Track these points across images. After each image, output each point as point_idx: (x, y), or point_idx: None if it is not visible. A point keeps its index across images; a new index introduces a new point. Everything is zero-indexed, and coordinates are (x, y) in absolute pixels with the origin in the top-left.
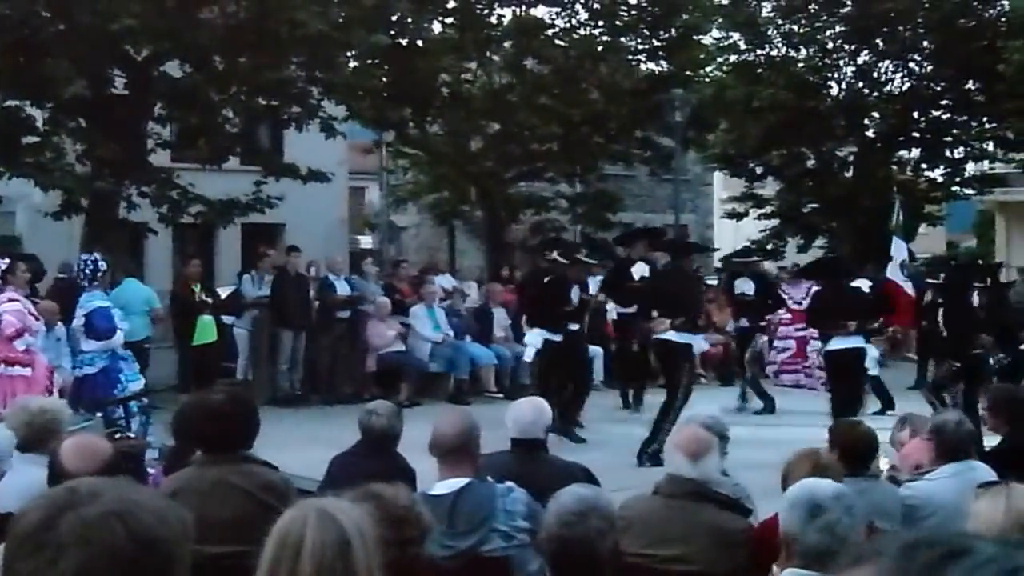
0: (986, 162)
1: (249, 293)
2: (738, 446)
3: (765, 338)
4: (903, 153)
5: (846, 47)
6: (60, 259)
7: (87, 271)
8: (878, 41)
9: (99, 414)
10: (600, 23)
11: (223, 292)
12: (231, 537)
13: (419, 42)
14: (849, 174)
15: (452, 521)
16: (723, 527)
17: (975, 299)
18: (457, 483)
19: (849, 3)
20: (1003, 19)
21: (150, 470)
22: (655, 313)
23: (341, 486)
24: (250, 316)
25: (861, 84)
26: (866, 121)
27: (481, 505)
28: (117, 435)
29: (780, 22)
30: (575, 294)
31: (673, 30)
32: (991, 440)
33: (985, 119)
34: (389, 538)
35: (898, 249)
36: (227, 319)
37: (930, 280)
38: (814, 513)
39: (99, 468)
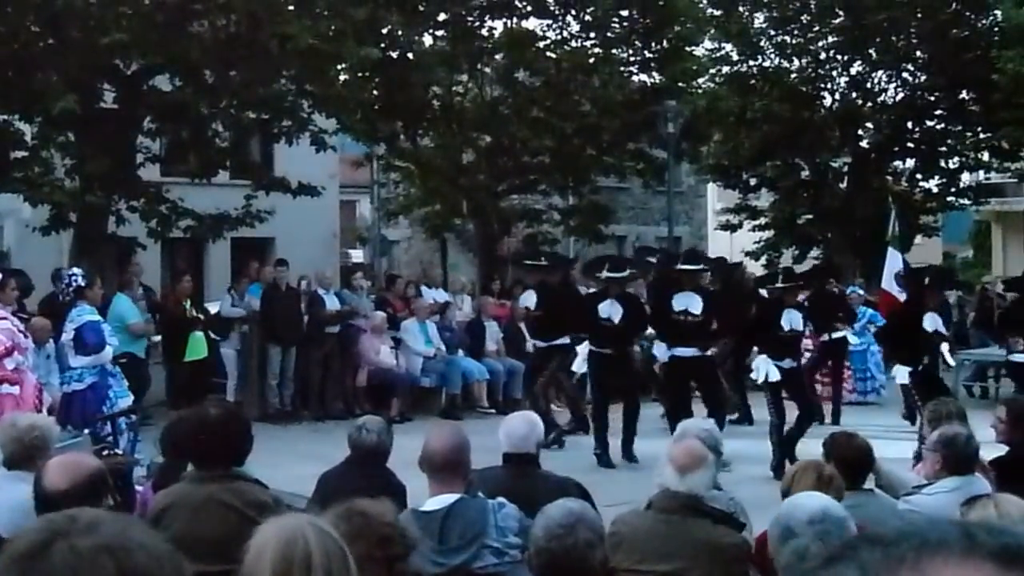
0: (981, 172)
1: (229, 313)
2: (734, 460)
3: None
4: (898, 163)
5: (839, 57)
6: (48, 275)
7: (66, 285)
8: (871, 51)
9: (87, 431)
10: (592, 35)
11: (212, 307)
12: (219, 555)
13: (410, 55)
14: (844, 185)
15: (443, 537)
16: (718, 542)
17: None
18: (448, 499)
19: (842, 14)
20: (996, 28)
21: (138, 487)
22: None
23: (330, 502)
24: (237, 334)
25: (855, 94)
26: (860, 132)
27: (473, 521)
28: (105, 452)
29: (773, 33)
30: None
31: (665, 41)
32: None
33: (980, 129)
34: (376, 555)
35: (893, 260)
36: (214, 336)
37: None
38: (786, 536)
39: (83, 486)
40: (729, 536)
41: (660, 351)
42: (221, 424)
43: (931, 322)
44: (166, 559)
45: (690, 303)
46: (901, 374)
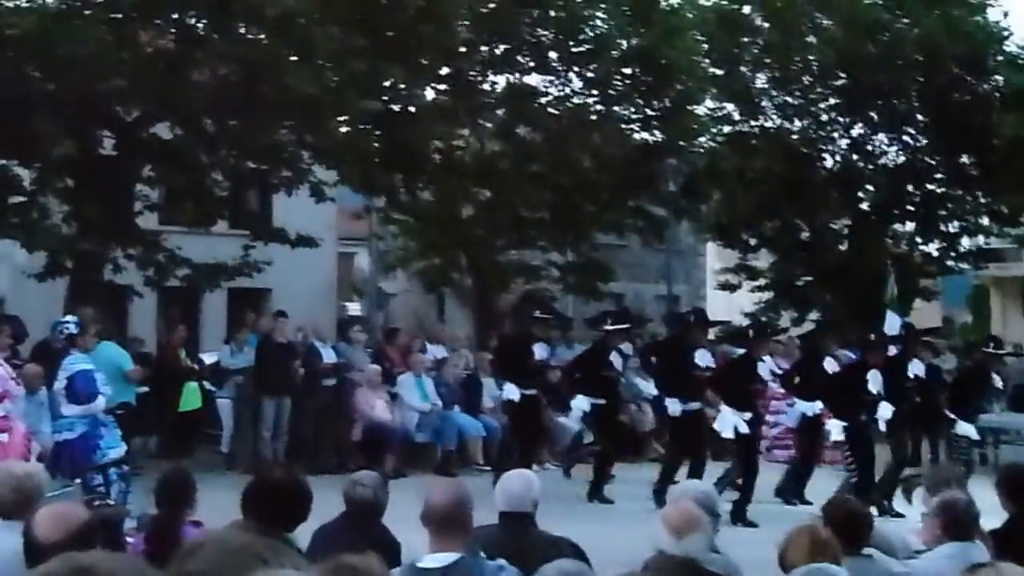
0: (981, 236)
1: (228, 363)
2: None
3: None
4: (898, 226)
5: (840, 119)
6: (42, 321)
7: (58, 333)
8: (872, 114)
9: (78, 481)
10: (594, 92)
11: (208, 358)
12: None
13: (411, 108)
14: (843, 246)
15: None
16: None
17: None
18: (447, 558)
19: (843, 75)
20: (997, 93)
21: (129, 539)
22: None
23: (325, 558)
24: (233, 384)
25: (855, 156)
26: (860, 193)
27: None
28: (96, 502)
29: (774, 93)
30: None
31: (667, 100)
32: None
33: (980, 193)
34: None
35: (891, 323)
36: (209, 387)
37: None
38: None
39: (73, 537)
40: None
41: (675, 406)
42: (286, 487)
43: (875, 382)
44: None
45: (706, 359)
46: (836, 430)
